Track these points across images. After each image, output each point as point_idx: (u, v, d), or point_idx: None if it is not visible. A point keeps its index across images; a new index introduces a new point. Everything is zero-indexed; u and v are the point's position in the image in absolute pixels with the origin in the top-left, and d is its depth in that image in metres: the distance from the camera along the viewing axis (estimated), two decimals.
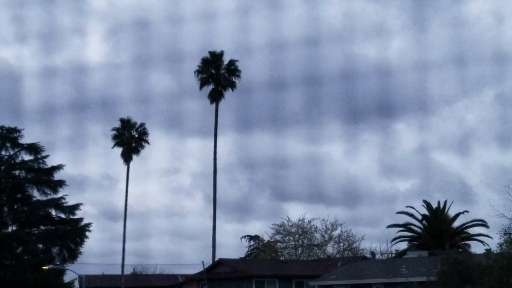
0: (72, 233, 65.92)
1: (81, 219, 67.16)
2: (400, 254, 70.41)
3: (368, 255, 72.54)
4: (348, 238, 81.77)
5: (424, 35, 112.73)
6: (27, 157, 67.47)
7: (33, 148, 67.32)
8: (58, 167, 67.66)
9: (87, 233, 66.78)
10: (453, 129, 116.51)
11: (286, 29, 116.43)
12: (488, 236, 69.93)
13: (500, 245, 39.50)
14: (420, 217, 72.98)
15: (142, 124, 78.71)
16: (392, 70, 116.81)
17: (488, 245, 66.02)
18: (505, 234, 47.34)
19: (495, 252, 39.28)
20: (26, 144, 67.40)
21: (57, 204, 66.52)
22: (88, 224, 67.27)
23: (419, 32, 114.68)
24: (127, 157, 76.56)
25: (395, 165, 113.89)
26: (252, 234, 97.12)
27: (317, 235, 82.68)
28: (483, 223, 71.12)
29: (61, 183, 67.19)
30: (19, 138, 67.43)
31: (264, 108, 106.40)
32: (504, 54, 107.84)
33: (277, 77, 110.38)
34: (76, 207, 67.19)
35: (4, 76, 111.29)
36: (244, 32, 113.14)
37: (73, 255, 66.52)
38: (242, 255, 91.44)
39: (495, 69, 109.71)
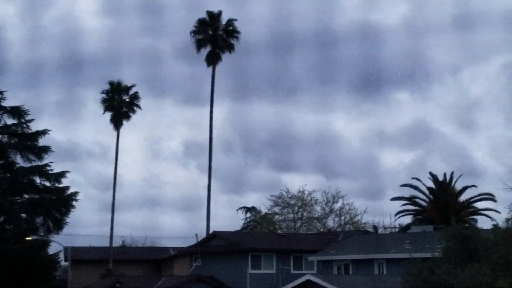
0: (58, 202, 63.41)
1: (67, 188, 64.66)
2: (404, 228, 68.76)
3: (371, 229, 70.51)
4: (350, 211, 79.86)
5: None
6: (10, 121, 64.84)
7: (17, 112, 64.45)
8: (43, 132, 64.99)
9: (74, 203, 64.32)
10: (457, 100, 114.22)
11: None
12: (496, 211, 68.54)
13: (507, 220, 37.47)
14: (425, 190, 71.00)
15: (133, 87, 75.61)
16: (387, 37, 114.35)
17: (495, 220, 64.94)
18: None
19: (503, 227, 36.70)
20: (9, 107, 64.62)
21: (42, 171, 63.91)
22: (75, 193, 64.69)
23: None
24: (117, 123, 73.55)
25: (397, 136, 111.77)
26: (249, 205, 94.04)
27: (318, 208, 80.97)
28: (491, 197, 69.62)
29: (46, 149, 64.57)
30: (2, 100, 64.71)
31: (263, 73, 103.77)
32: None
33: (279, 42, 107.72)
34: (62, 174, 64.59)
35: None
36: None
37: (59, 225, 64.11)
38: (238, 228, 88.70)
39: (504, 36, 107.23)
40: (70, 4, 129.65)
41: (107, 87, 74.98)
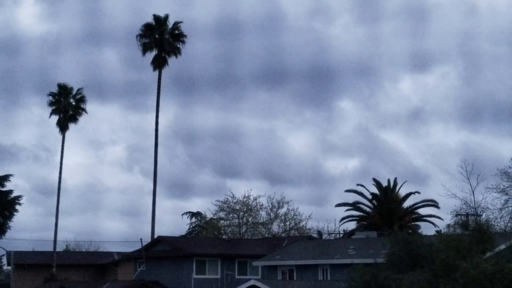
0: (1, 206, 62.54)
1: (10, 191, 63.87)
2: (348, 234, 69.04)
3: (315, 235, 70.61)
4: (295, 217, 79.94)
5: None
6: None
7: None
8: None
9: (17, 207, 63.64)
10: (399, 108, 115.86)
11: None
12: (438, 217, 69.43)
13: (448, 226, 38.68)
14: (369, 196, 71.24)
15: (80, 90, 75.01)
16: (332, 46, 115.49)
17: (438, 226, 65.68)
18: (456, 215, 45.72)
19: (445, 233, 37.34)
20: None
21: None
22: (18, 197, 64.04)
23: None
24: (63, 126, 72.74)
25: (340, 143, 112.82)
26: (194, 211, 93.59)
27: (263, 213, 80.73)
28: (434, 204, 70.15)
29: None
30: None
31: (209, 78, 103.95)
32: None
33: (226, 49, 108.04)
34: (5, 178, 63.92)
35: None
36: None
37: (1, 229, 63.40)
38: (183, 233, 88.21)
39: (444, 46, 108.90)
40: (12, 9, 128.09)
41: (53, 90, 74.39)
